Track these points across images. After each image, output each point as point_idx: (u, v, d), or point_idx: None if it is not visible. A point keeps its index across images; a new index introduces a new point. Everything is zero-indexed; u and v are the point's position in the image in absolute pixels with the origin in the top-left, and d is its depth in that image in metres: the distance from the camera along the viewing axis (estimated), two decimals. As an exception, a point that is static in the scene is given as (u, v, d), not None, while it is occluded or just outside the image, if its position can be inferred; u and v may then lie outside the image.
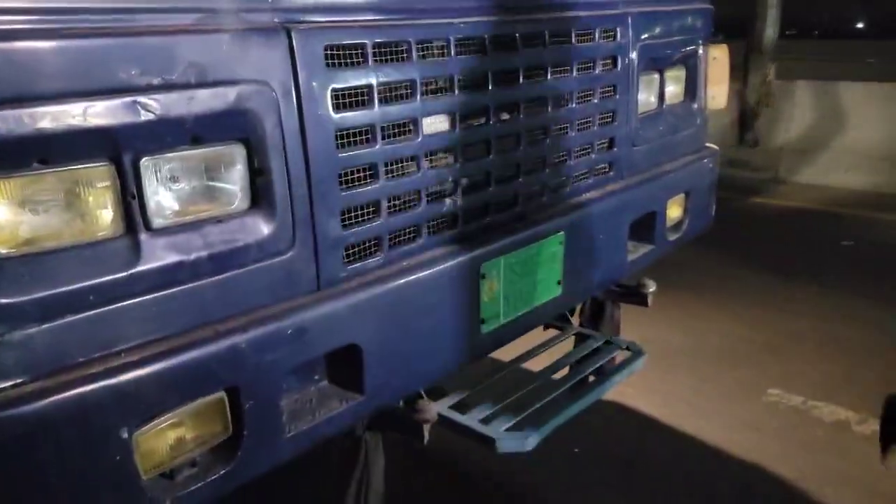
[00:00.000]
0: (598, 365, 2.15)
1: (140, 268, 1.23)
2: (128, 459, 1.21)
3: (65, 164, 1.14)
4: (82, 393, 1.15)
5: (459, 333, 1.77)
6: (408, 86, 1.57)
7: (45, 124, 1.08)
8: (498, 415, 1.80)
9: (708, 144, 2.86)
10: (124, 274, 1.21)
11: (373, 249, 1.58)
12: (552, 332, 2.38)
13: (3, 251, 1.09)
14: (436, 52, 1.64)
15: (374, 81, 1.49)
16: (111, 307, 1.20)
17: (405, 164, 1.61)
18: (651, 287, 2.43)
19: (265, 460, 1.42)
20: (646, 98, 2.44)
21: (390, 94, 1.55)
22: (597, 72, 2.12)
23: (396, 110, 1.56)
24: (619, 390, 3.31)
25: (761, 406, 3.22)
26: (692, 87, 2.66)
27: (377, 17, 1.50)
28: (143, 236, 1.24)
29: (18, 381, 1.12)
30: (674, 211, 2.59)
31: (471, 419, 1.77)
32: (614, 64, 2.19)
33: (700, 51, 2.63)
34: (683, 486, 2.69)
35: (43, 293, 1.13)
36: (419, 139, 1.61)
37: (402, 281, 1.61)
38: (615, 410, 3.21)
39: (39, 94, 1.07)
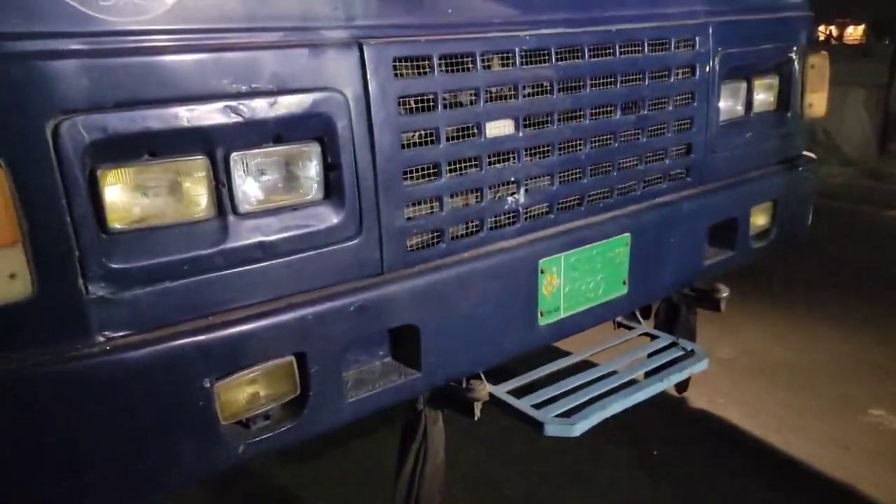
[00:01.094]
0: (657, 364, 2.20)
1: (227, 245, 1.46)
2: (208, 405, 1.44)
3: (169, 156, 1.38)
4: (174, 346, 1.39)
5: (516, 324, 1.90)
6: (472, 92, 1.73)
7: (154, 124, 1.33)
8: (551, 402, 1.91)
9: (805, 153, 2.81)
10: (214, 250, 1.45)
11: (435, 240, 1.75)
12: (623, 332, 2.44)
13: (119, 226, 1.35)
14: (502, 62, 1.78)
15: (438, 90, 1.66)
16: (202, 277, 1.44)
17: (468, 163, 1.76)
18: (724, 292, 2.44)
19: (328, 420, 1.62)
20: (730, 106, 2.45)
21: (456, 99, 1.71)
22: (671, 80, 2.17)
23: (460, 115, 1.72)
24: (710, 398, 3.32)
25: (857, 425, 3.09)
26: (786, 96, 2.63)
27: (443, 33, 1.66)
28: (231, 219, 1.47)
29: (126, 332, 1.38)
30: (759, 219, 2.58)
31: (524, 403, 1.89)
32: (692, 72, 2.23)
33: (796, 59, 2.60)
34: (757, 497, 2.66)
35: (148, 262, 1.38)
36: (481, 141, 1.76)
37: (462, 270, 1.76)
38: (701, 417, 3.19)
39: (149, 99, 1.31)
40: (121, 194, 1.35)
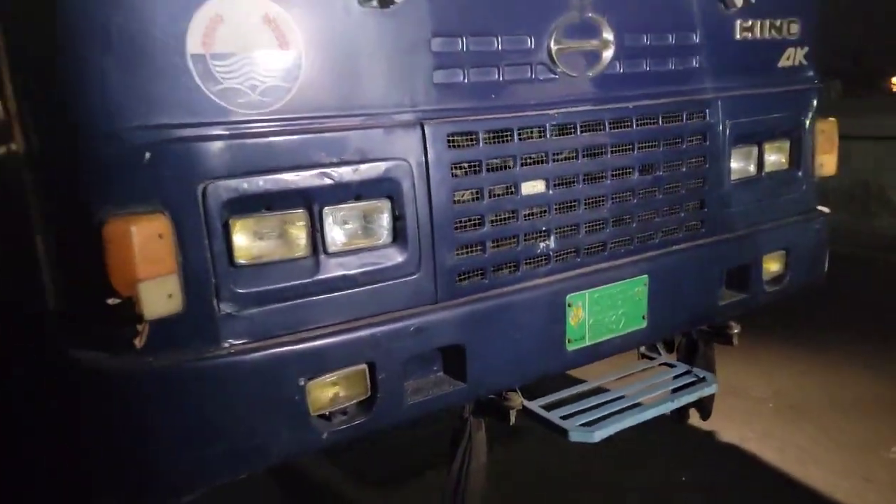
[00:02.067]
0: (671, 388, 2.54)
1: (319, 277, 1.92)
2: (303, 399, 1.88)
3: (279, 210, 1.86)
4: (279, 352, 1.85)
5: (547, 348, 2.29)
6: (510, 159, 2.17)
7: (270, 186, 1.81)
8: (576, 414, 2.28)
9: (819, 207, 3.13)
10: (309, 280, 1.91)
11: (479, 276, 2.17)
12: (645, 361, 2.79)
13: (243, 261, 1.82)
14: (536, 135, 2.22)
15: (482, 158, 2.11)
16: (300, 301, 1.89)
17: (507, 215, 2.19)
18: (735, 329, 2.77)
19: (391, 418, 2.04)
20: (742, 166, 2.82)
21: (497, 165, 2.16)
22: (683, 146, 2.56)
23: (500, 177, 2.16)
24: (740, 433, 3.59)
25: (880, 460, 3.30)
26: (797, 157, 2.97)
27: (486, 113, 2.12)
28: (322, 257, 1.93)
29: (245, 341, 1.84)
30: (772, 265, 2.90)
31: (552, 415, 2.27)
32: (703, 140, 2.62)
33: (805, 126, 2.95)
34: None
35: (262, 288, 1.85)
36: (518, 198, 2.20)
37: (501, 302, 2.18)
38: (731, 448, 3.45)
39: (268, 168, 1.80)
40: (244, 238, 1.83)
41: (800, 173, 2.99)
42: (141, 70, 1.65)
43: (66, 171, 1.76)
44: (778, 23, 2.81)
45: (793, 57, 2.91)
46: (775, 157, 2.94)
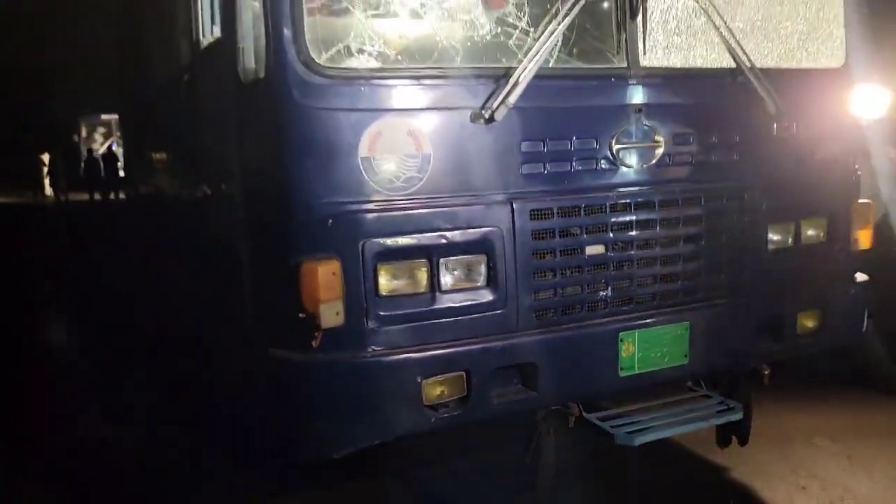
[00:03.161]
0: (704, 412, 3.16)
1: (434, 307, 2.76)
2: (418, 393, 2.70)
3: (410, 260, 2.72)
4: (406, 358, 2.68)
5: (602, 373, 3.00)
6: (577, 229, 2.94)
7: (405, 243, 2.68)
8: (623, 425, 2.97)
9: (858, 274, 3.65)
10: (427, 309, 2.75)
11: (550, 314, 2.93)
12: (688, 391, 3.42)
13: (384, 293, 2.69)
14: (597, 210, 2.99)
15: (555, 227, 2.89)
16: (420, 323, 2.73)
17: (573, 269, 2.96)
18: (766, 370, 3.34)
19: (481, 413, 2.82)
20: (780, 238, 3.42)
21: (567, 231, 2.94)
22: (723, 222, 3.23)
23: (569, 242, 2.93)
24: (794, 472, 4.04)
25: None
26: (833, 232, 3.54)
27: (559, 195, 2.91)
28: (437, 294, 2.77)
29: (382, 348, 2.69)
30: (807, 322, 3.45)
31: (604, 423, 2.97)
32: (741, 217, 3.27)
33: (841, 206, 3.53)
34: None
35: (396, 313, 2.70)
36: (583, 257, 2.96)
37: (567, 334, 2.93)
38: (780, 485, 3.93)
39: (404, 231, 2.67)
40: (386, 277, 2.70)
41: (836, 246, 3.55)
42: (330, 167, 2.58)
43: (276, 229, 2.71)
44: (813, 125, 3.43)
45: (830, 149, 3.51)
46: (812, 232, 3.52)
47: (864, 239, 3.61)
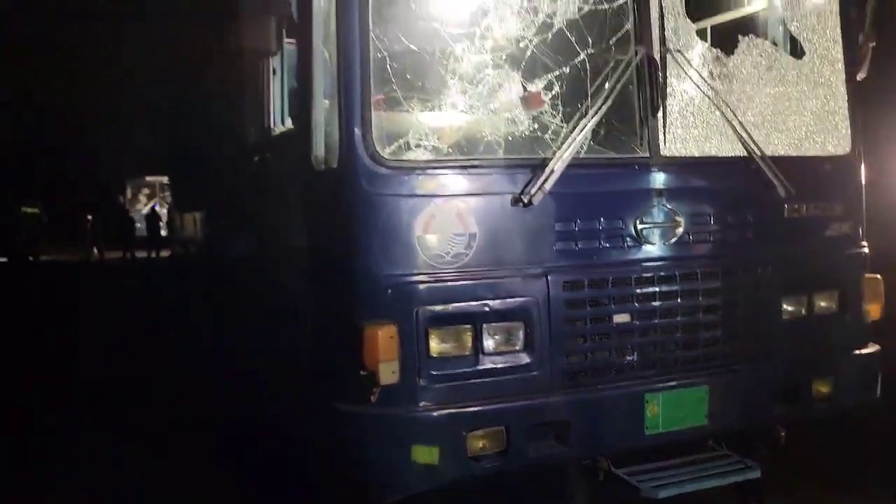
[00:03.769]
0: (723, 470, 3.42)
1: (477, 368, 3.11)
2: (463, 444, 3.02)
3: (457, 325, 3.09)
4: (451, 413, 3.03)
5: (629, 431, 3.30)
6: (605, 299, 3.30)
7: (452, 311, 3.05)
8: (648, 479, 3.24)
9: (870, 343, 3.92)
10: (471, 369, 3.10)
11: (581, 376, 3.26)
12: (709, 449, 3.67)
13: (434, 354, 3.05)
14: (623, 283, 3.34)
15: (586, 297, 3.25)
16: (465, 382, 3.08)
17: (602, 336, 3.29)
18: (782, 431, 3.60)
19: (518, 464, 3.13)
20: (794, 309, 3.72)
21: (596, 302, 3.29)
22: (739, 295, 3.55)
23: (598, 311, 3.28)
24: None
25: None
26: (844, 304, 3.84)
27: (589, 269, 3.28)
28: (481, 355, 3.12)
29: (432, 403, 3.04)
30: (822, 387, 3.72)
31: (631, 477, 3.25)
32: (756, 289, 3.60)
33: (851, 280, 3.84)
34: None
35: (444, 372, 3.06)
36: (610, 325, 3.30)
37: (596, 394, 3.25)
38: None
39: (451, 299, 3.05)
40: (436, 340, 3.06)
41: (848, 317, 3.84)
42: (390, 244, 2.99)
43: (341, 297, 3.11)
44: (822, 206, 3.78)
45: (839, 229, 3.85)
46: (825, 304, 3.82)
47: (874, 311, 3.89)
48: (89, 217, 25.24)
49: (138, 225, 26.28)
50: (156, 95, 10.70)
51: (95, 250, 25.15)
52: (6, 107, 30.43)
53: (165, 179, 27.11)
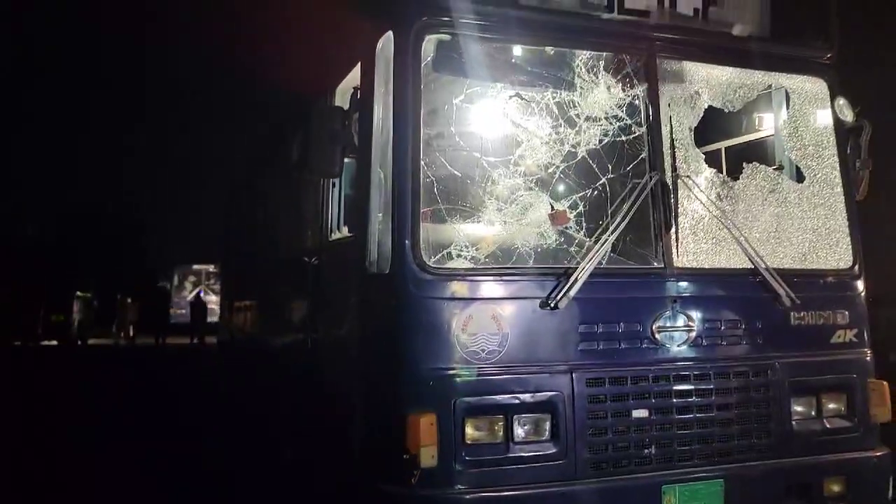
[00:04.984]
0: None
1: (508, 455, 3.45)
2: (494, 525, 3.34)
3: (490, 416, 3.46)
4: (484, 496, 3.37)
5: (648, 521, 3.58)
6: (624, 395, 3.65)
7: (487, 403, 3.44)
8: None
9: (879, 446, 4.15)
10: (503, 457, 3.44)
11: (603, 466, 3.58)
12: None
13: (469, 441, 3.41)
14: (641, 381, 3.69)
15: (607, 393, 3.61)
16: (497, 468, 3.42)
17: (622, 428, 3.62)
18: (795, 528, 3.82)
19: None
20: (803, 410, 4.01)
21: (616, 397, 3.63)
22: (751, 395, 3.86)
23: (618, 406, 3.63)
24: None
25: None
26: (852, 406, 4.11)
27: (610, 368, 3.65)
28: (511, 444, 3.46)
29: (467, 487, 3.38)
30: (834, 486, 3.95)
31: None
32: (766, 390, 3.91)
33: (857, 383, 4.12)
34: None
35: (479, 458, 3.41)
36: (629, 419, 3.64)
37: (617, 484, 3.55)
38: None
39: (487, 392, 3.44)
40: (471, 428, 3.43)
41: (856, 419, 4.10)
42: (433, 341, 3.42)
43: (388, 386, 3.52)
44: (828, 315, 4.12)
45: (843, 335, 4.17)
46: (833, 406, 4.10)
47: (881, 414, 4.14)
48: (128, 300, 26.11)
49: (181, 311, 27.12)
50: (222, 194, 11.54)
51: (125, 334, 25.79)
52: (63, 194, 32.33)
53: (212, 268, 28.50)
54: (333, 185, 4.57)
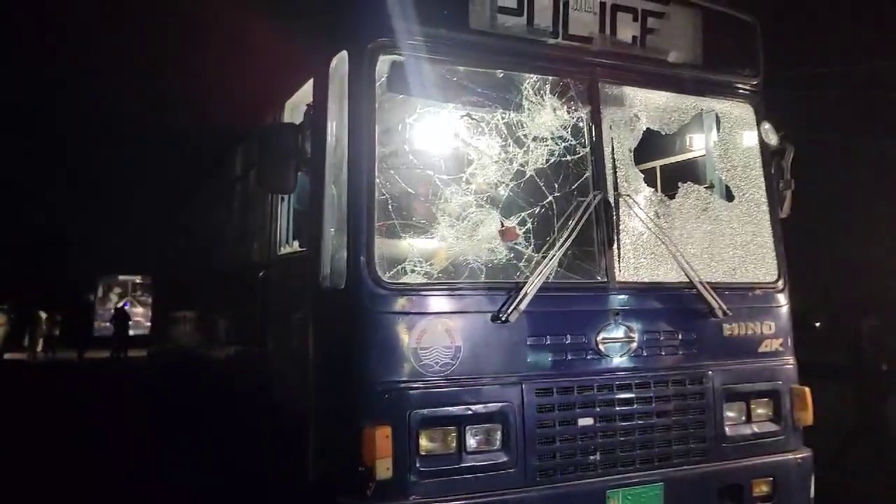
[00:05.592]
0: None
1: (461, 465, 3.54)
2: (448, 534, 3.43)
3: (442, 427, 3.56)
4: (437, 505, 3.45)
5: (594, 525, 3.73)
6: (571, 403, 3.80)
7: (439, 416, 3.53)
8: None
9: (802, 447, 4.45)
10: (455, 467, 3.53)
11: (551, 473, 3.71)
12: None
13: (423, 452, 3.48)
14: (587, 390, 3.85)
15: (555, 402, 3.75)
16: (449, 478, 3.51)
17: (569, 437, 3.77)
18: (727, 526, 4.05)
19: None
20: (735, 415, 4.26)
21: (564, 406, 3.78)
22: (688, 402, 4.08)
23: (566, 414, 3.77)
24: None
25: None
26: (778, 411, 4.39)
27: (559, 376, 3.79)
28: (464, 454, 3.56)
29: (420, 498, 3.45)
30: (761, 488, 4.20)
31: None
32: (702, 397, 4.14)
33: (783, 390, 4.40)
34: None
35: (431, 468, 3.49)
36: (576, 427, 3.79)
37: (565, 490, 3.70)
38: None
39: (439, 404, 3.53)
40: (425, 440, 3.51)
41: (782, 423, 4.38)
42: (388, 355, 3.49)
43: (343, 400, 3.57)
44: (756, 326, 4.40)
45: (770, 345, 4.45)
46: (762, 411, 4.37)
47: (804, 417, 4.43)
48: (42, 314, 24.94)
49: (105, 324, 26.18)
50: (156, 205, 11.29)
51: (37, 349, 24.64)
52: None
53: (139, 279, 27.61)
54: (282, 198, 4.59)
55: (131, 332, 23.12)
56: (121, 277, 28.73)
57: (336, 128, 3.80)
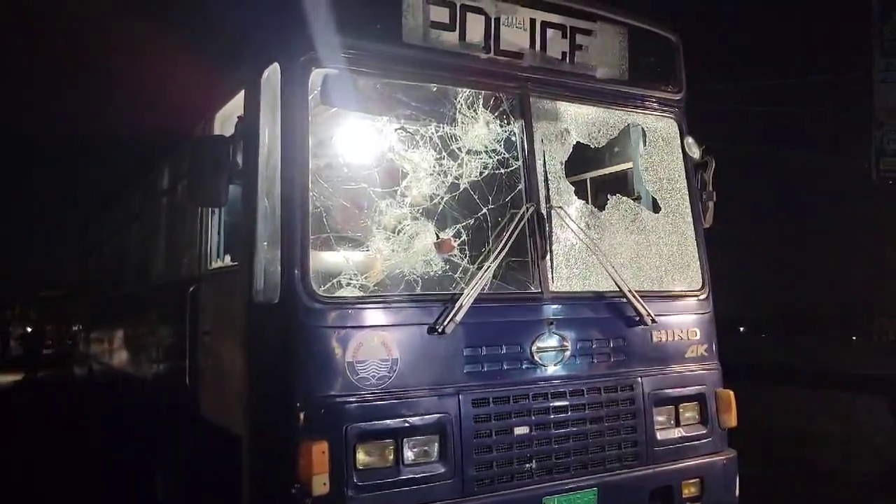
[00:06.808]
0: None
1: (399, 478, 3.53)
2: (386, 548, 3.41)
3: (379, 440, 3.54)
4: (376, 519, 3.43)
5: (532, 532, 3.78)
6: (508, 413, 3.84)
7: (376, 429, 3.51)
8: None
9: (727, 449, 4.62)
10: (393, 479, 3.52)
11: (490, 482, 3.74)
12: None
13: (360, 466, 3.45)
14: (522, 399, 3.90)
15: (491, 413, 3.79)
16: (388, 490, 3.49)
17: (506, 446, 3.81)
18: (658, 527, 4.17)
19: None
20: (664, 419, 4.39)
21: (500, 416, 3.82)
22: (622, 407, 4.19)
23: (501, 424, 3.81)
24: None
25: None
26: (705, 414, 4.55)
27: (495, 387, 3.83)
28: (402, 466, 3.55)
29: (358, 512, 3.43)
30: (690, 489, 4.35)
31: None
32: (633, 402, 4.25)
33: (709, 394, 4.57)
34: None
35: (371, 482, 3.47)
36: (512, 437, 3.83)
37: (502, 499, 3.73)
38: None
39: (376, 418, 3.52)
40: (362, 454, 3.49)
41: (708, 426, 4.54)
42: (324, 369, 3.46)
43: (278, 416, 3.51)
44: (682, 332, 4.55)
45: (696, 350, 4.62)
46: (690, 414, 4.52)
47: (729, 419, 4.61)
48: None
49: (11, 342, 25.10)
50: (74, 220, 10.85)
51: None
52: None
53: (59, 295, 26.40)
54: (213, 212, 4.50)
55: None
56: (42, 294, 27.44)
57: (268, 140, 3.76)
